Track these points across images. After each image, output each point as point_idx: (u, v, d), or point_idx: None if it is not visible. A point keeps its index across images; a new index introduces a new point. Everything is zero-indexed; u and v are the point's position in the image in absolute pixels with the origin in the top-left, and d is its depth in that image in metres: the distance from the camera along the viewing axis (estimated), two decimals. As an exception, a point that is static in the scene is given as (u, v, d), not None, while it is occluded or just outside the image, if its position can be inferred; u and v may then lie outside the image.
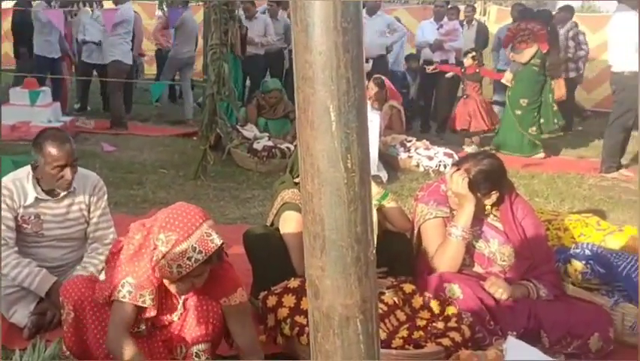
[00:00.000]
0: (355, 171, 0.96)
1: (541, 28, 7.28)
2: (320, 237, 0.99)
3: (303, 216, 1.07)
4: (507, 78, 7.53)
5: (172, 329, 2.25)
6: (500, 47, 8.73)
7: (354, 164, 0.96)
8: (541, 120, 7.44)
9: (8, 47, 10.20)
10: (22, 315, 2.74)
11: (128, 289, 2.13)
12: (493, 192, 2.89)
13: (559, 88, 7.45)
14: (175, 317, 2.26)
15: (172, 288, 2.16)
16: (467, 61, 7.79)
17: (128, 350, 2.05)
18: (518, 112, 7.40)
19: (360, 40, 0.97)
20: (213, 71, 5.58)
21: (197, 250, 1.99)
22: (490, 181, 2.86)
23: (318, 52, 0.93)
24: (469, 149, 7.12)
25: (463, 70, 7.82)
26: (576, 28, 9.07)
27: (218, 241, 2.02)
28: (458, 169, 2.84)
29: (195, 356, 2.19)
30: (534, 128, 7.41)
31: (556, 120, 7.48)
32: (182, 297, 2.25)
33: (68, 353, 2.25)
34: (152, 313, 2.18)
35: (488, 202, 2.91)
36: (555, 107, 7.45)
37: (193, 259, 2.00)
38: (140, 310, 2.17)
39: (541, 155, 7.38)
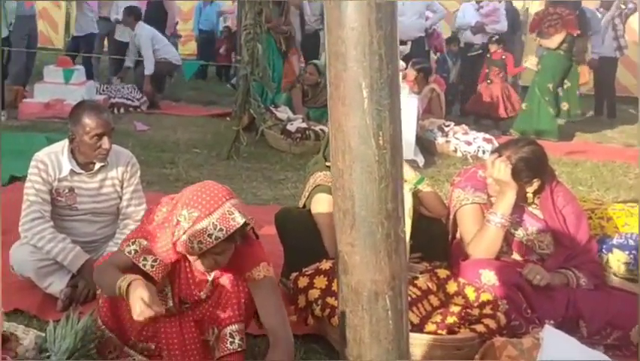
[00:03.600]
0: (387, 148, 0.99)
1: (570, 13, 7.22)
2: (350, 213, 1.02)
3: (333, 192, 1.10)
4: (532, 62, 7.51)
5: (204, 309, 2.28)
6: None
7: (386, 141, 0.98)
8: (565, 106, 7.45)
9: (42, 26, 10.48)
10: (57, 286, 2.86)
11: (135, 248, 2.21)
12: (535, 179, 2.87)
13: (583, 74, 7.40)
14: (203, 294, 2.29)
15: (197, 265, 2.20)
16: (493, 46, 7.78)
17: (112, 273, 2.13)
18: (547, 97, 7.40)
19: (394, 17, 0.99)
20: (247, 52, 5.63)
21: (218, 227, 2.04)
22: (532, 169, 2.85)
23: (351, 28, 0.96)
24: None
25: (488, 55, 7.83)
26: (630, 9, 8.92)
27: (240, 220, 2.05)
28: (500, 155, 2.83)
29: (229, 337, 2.20)
30: (553, 113, 7.48)
31: (578, 107, 7.51)
32: (212, 274, 2.28)
33: (103, 326, 2.31)
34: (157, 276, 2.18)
35: (529, 190, 2.90)
36: (578, 93, 7.41)
37: (213, 237, 2.04)
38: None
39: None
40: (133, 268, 2.19)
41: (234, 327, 2.21)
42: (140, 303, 1.98)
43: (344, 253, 1.05)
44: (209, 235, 2.04)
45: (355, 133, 1.01)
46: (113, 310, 2.31)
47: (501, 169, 2.79)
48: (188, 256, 2.19)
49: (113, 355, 2.32)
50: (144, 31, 8.10)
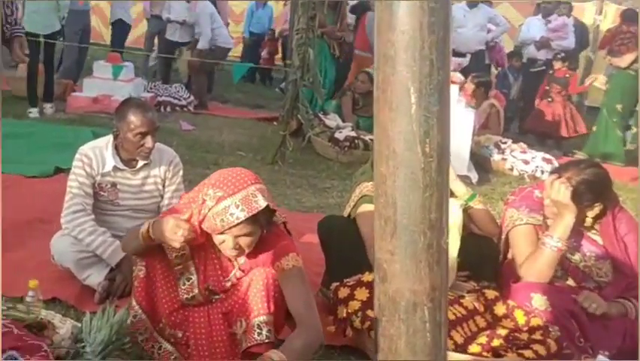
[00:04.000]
0: (433, 157, 1.00)
1: None
2: (391, 221, 1.04)
3: (375, 199, 1.13)
4: (600, 81, 7.39)
5: (232, 301, 2.33)
6: None
7: (433, 149, 1.00)
8: (633, 130, 7.37)
9: (94, 21, 10.86)
10: (95, 279, 2.97)
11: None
12: (596, 203, 2.84)
13: None
14: (229, 281, 2.35)
15: (223, 248, 2.27)
16: (557, 63, 7.68)
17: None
18: (615, 119, 7.28)
19: (448, 23, 1.01)
20: (298, 56, 5.70)
21: (240, 207, 2.14)
22: (594, 192, 2.81)
23: (402, 31, 0.98)
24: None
25: (551, 72, 7.74)
26: None
27: (262, 203, 2.15)
28: (560, 176, 2.80)
29: (257, 328, 2.23)
30: (621, 136, 7.38)
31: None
32: (240, 261, 2.35)
33: (137, 306, 2.38)
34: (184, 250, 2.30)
35: (590, 214, 2.86)
36: None
37: (235, 216, 2.15)
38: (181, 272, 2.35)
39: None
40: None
41: (262, 318, 2.25)
42: (174, 224, 2.17)
43: (383, 261, 1.07)
44: (231, 214, 2.15)
45: (401, 139, 1.03)
46: (148, 290, 2.40)
47: (560, 190, 2.76)
48: (214, 239, 2.27)
49: (143, 336, 2.39)
50: (206, 8, 8.33)
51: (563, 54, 7.97)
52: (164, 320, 2.40)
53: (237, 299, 2.33)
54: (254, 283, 2.30)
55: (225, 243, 2.25)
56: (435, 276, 1.04)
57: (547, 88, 7.89)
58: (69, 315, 2.62)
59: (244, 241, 2.24)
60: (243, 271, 2.37)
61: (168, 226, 2.21)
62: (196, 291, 2.38)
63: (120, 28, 9.29)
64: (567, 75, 7.81)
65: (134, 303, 2.38)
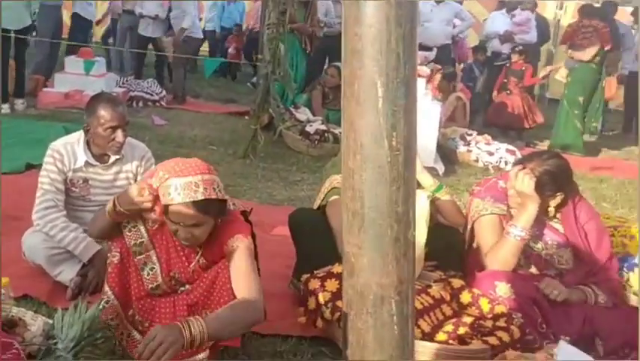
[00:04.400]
0: (400, 150, 0.98)
1: (605, 26, 7.27)
2: (359, 214, 1.01)
3: (342, 193, 1.10)
4: (561, 75, 7.51)
5: (197, 293, 2.31)
6: None
7: (399, 142, 0.98)
8: (592, 121, 7.61)
9: (65, 16, 10.63)
10: (67, 275, 2.90)
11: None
12: (558, 193, 2.85)
13: (609, 88, 7.41)
14: (192, 267, 2.34)
15: (177, 238, 2.28)
16: (515, 56, 7.79)
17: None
18: (576, 110, 7.42)
19: (414, 16, 0.98)
20: (269, 51, 5.65)
21: (179, 190, 2.17)
22: (556, 182, 2.83)
23: (369, 25, 0.95)
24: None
25: (508, 65, 7.85)
26: None
27: (199, 196, 2.16)
28: (524, 167, 2.81)
29: None
30: (580, 127, 7.54)
31: (597, 121, 7.67)
32: (199, 254, 2.35)
33: (109, 292, 2.35)
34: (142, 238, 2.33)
35: (552, 204, 2.88)
36: (599, 107, 7.55)
37: (171, 196, 2.18)
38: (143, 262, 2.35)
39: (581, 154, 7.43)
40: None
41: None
42: (138, 187, 2.23)
43: (351, 255, 1.05)
44: (169, 194, 2.17)
45: (368, 133, 1.00)
46: (121, 276, 2.37)
47: (524, 181, 2.76)
48: (169, 227, 2.27)
49: (114, 323, 2.37)
50: None
51: (520, 47, 8.07)
52: (134, 306, 2.38)
53: (202, 291, 2.31)
54: (220, 275, 2.28)
55: (178, 232, 2.26)
56: (402, 269, 1.02)
57: (505, 81, 7.99)
58: (41, 312, 2.56)
59: (195, 231, 2.24)
60: (206, 259, 2.36)
61: (134, 190, 2.25)
62: (160, 280, 2.36)
63: (78, 23, 8.97)
64: (523, 68, 7.92)
65: (106, 288, 2.36)
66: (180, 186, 2.18)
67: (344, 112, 1.05)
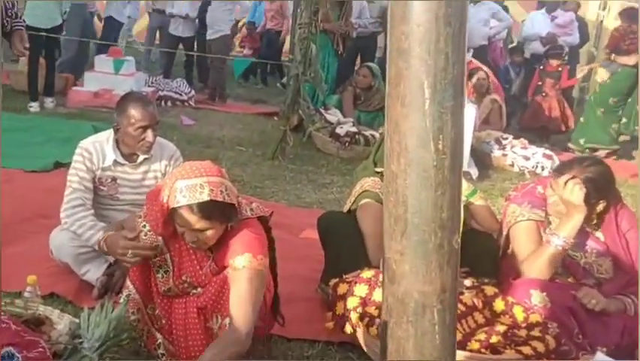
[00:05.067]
0: (446, 154, 0.96)
1: None
2: (402, 219, 0.99)
3: (384, 197, 1.08)
4: (602, 77, 7.41)
5: (207, 297, 2.30)
6: None
7: (446, 146, 0.95)
8: (623, 120, 7.52)
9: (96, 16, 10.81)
10: (94, 274, 2.92)
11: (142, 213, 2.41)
12: (601, 201, 2.80)
13: None
14: (204, 272, 2.33)
15: (185, 239, 2.28)
16: (552, 60, 7.73)
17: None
18: (601, 109, 7.47)
19: (464, 15, 0.96)
20: (300, 51, 5.64)
21: (184, 193, 2.16)
22: (598, 190, 2.77)
23: (417, 23, 0.93)
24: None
25: (542, 67, 7.76)
26: None
27: (205, 197, 2.14)
28: (574, 177, 2.76)
29: (229, 325, 2.21)
30: (615, 127, 7.52)
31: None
32: (210, 259, 2.33)
33: (131, 286, 2.36)
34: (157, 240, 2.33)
35: (594, 212, 2.82)
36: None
37: (176, 199, 2.18)
38: (157, 266, 2.36)
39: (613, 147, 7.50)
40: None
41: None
42: (122, 245, 2.27)
43: (392, 261, 1.02)
44: (175, 196, 2.17)
45: (413, 135, 0.98)
46: (143, 271, 2.39)
47: (574, 191, 2.71)
48: (178, 229, 2.27)
49: (135, 317, 2.39)
50: None
51: (557, 50, 7.98)
52: (155, 301, 2.40)
53: (212, 295, 2.30)
54: (228, 280, 2.27)
55: (185, 235, 2.26)
56: (445, 277, 0.99)
57: (540, 83, 7.89)
58: (67, 310, 2.58)
59: (201, 236, 2.23)
60: (217, 264, 2.35)
61: (117, 247, 2.29)
62: (171, 283, 2.36)
63: (111, 25, 9.17)
64: (559, 69, 7.81)
65: (128, 283, 2.38)
66: (186, 188, 2.17)
67: (388, 114, 1.02)
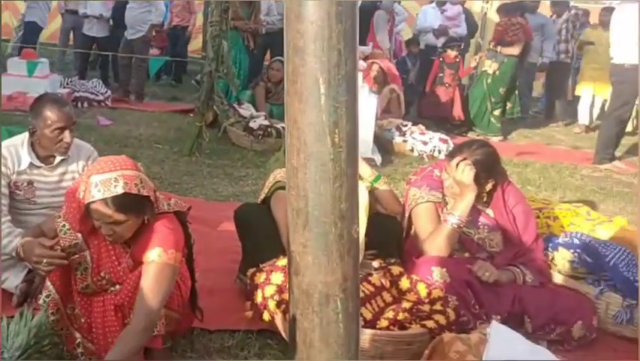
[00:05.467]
0: (342, 147, 0.92)
1: (527, 21, 7.68)
2: (303, 212, 0.95)
3: (287, 191, 1.04)
4: (493, 67, 7.73)
5: (124, 293, 2.21)
6: None
7: (342, 139, 0.92)
8: (508, 105, 8.05)
9: (6, 17, 10.16)
10: (12, 282, 2.72)
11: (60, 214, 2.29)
12: (490, 180, 2.87)
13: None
14: (122, 267, 2.24)
15: (102, 232, 2.19)
16: (451, 51, 7.98)
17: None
18: (493, 98, 7.77)
19: (355, 12, 0.92)
20: (212, 48, 5.50)
21: (98, 187, 2.08)
22: (487, 170, 2.84)
23: (310, 21, 0.89)
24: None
25: (441, 58, 7.98)
26: (574, 16, 9.26)
27: (119, 190, 2.07)
28: (464, 158, 2.80)
29: None
30: (498, 112, 7.86)
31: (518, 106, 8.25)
32: (128, 254, 2.24)
33: (51, 286, 2.24)
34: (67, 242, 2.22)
35: (484, 191, 2.89)
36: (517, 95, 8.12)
37: (91, 193, 2.09)
38: (77, 263, 2.24)
39: (500, 137, 7.77)
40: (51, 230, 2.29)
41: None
42: (38, 253, 2.15)
43: (296, 254, 0.98)
44: (90, 191, 2.09)
45: (311, 130, 0.94)
46: (62, 271, 2.26)
47: (465, 172, 2.76)
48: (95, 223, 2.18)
49: (55, 317, 2.26)
50: None
51: (457, 41, 8.21)
52: (75, 300, 2.29)
53: (128, 293, 2.20)
54: (144, 275, 2.17)
55: (102, 228, 2.16)
56: (346, 266, 0.96)
57: (442, 74, 8.07)
58: (-15, 321, 2.39)
59: (117, 228, 2.14)
60: (133, 259, 2.25)
61: (32, 255, 2.16)
62: (89, 280, 2.25)
63: (32, 29, 8.73)
64: (457, 60, 8.04)
65: (48, 283, 2.25)
66: (100, 182, 2.08)
67: (287, 109, 0.98)
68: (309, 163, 0.96)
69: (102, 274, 2.24)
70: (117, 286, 2.25)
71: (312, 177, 0.97)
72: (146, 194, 2.13)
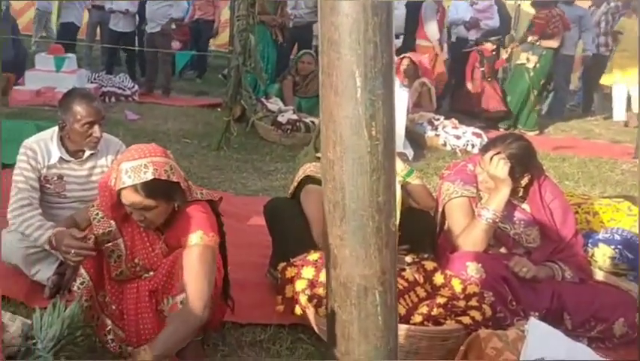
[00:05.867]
0: (379, 140, 0.94)
1: (563, 12, 7.64)
2: (340, 205, 0.97)
3: (323, 184, 1.06)
4: (533, 61, 7.62)
5: (158, 279, 2.27)
6: None
7: (379, 132, 0.94)
8: (549, 98, 8.11)
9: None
10: (44, 274, 2.81)
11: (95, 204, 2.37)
12: (525, 174, 2.86)
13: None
14: (156, 251, 2.30)
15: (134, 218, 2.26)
16: (488, 44, 7.87)
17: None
18: (536, 92, 7.69)
19: (391, 5, 0.94)
20: (239, 42, 5.56)
21: (129, 174, 2.14)
22: (522, 164, 2.83)
23: (345, 14, 0.91)
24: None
25: (480, 51, 7.90)
26: (614, 8, 9.08)
27: (149, 176, 2.12)
28: (499, 152, 2.80)
29: (180, 305, 2.17)
30: (538, 106, 7.88)
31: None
32: (161, 240, 2.30)
33: (85, 273, 2.30)
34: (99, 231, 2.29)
35: (519, 185, 2.88)
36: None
37: (122, 180, 2.16)
38: (111, 250, 2.31)
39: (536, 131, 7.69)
40: (86, 219, 2.37)
41: (184, 296, 2.17)
42: (67, 243, 2.22)
43: (333, 247, 1.01)
44: (121, 178, 2.16)
45: (347, 123, 0.96)
46: (96, 259, 2.32)
47: (499, 166, 2.76)
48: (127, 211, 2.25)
49: (88, 303, 2.32)
50: None
51: (496, 36, 8.14)
52: (106, 288, 2.35)
53: (162, 277, 2.26)
54: (177, 262, 2.23)
55: (133, 215, 2.23)
56: (384, 259, 0.98)
57: (483, 69, 7.97)
58: (19, 312, 2.47)
59: (148, 214, 2.20)
60: (167, 244, 2.31)
61: (62, 245, 2.24)
62: (123, 267, 2.31)
63: (68, 30, 8.97)
64: (494, 53, 7.96)
65: (82, 270, 2.31)
66: (130, 169, 2.15)
67: (322, 103, 1.00)
68: (346, 156, 0.99)
69: (136, 260, 2.31)
70: (151, 273, 2.31)
71: (348, 170, 0.99)
72: (175, 180, 2.19)
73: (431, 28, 8.05)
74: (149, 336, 2.22)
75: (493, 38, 8.05)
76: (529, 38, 7.77)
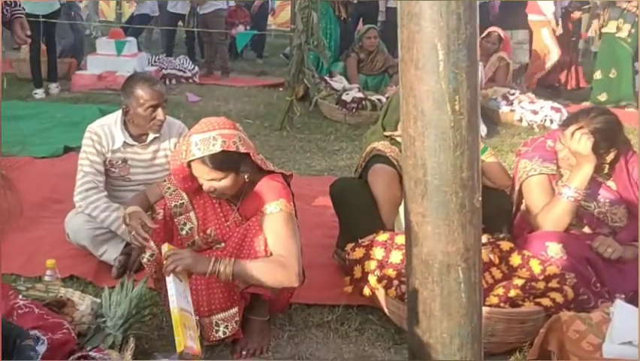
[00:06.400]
0: (463, 114, 0.95)
1: None
2: (422, 182, 0.99)
3: (402, 161, 1.08)
4: (627, 29, 7.35)
5: (230, 248, 2.34)
6: None
7: (463, 106, 0.95)
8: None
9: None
10: (111, 254, 2.95)
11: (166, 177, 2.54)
12: (611, 150, 2.78)
13: None
14: (230, 222, 2.40)
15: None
16: (576, 13, 7.60)
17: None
18: (634, 63, 7.39)
19: (472, -26, 0.95)
20: (301, 20, 5.58)
21: (198, 146, 2.24)
22: (607, 139, 2.75)
23: (427, -15, 0.92)
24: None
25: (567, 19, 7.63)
26: None
27: (218, 148, 2.21)
28: (581, 127, 2.74)
29: None
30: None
31: None
32: (235, 211, 2.39)
33: (154, 246, 2.38)
34: (172, 203, 2.42)
35: (605, 162, 2.81)
36: None
37: (191, 152, 2.26)
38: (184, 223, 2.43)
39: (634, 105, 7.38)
40: (158, 193, 2.50)
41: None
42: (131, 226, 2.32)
43: (414, 224, 1.03)
44: (190, 150, 2.26)
45: (429, 98, 0.98)
46: (165, 232, 2.44)
47: (582, 142, 2.70)
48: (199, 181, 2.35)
49: (157, 275, 2.42)
50: None
51: (585, 4, 7.82)
52: None
53: (235, 245, 2.34)
54: (250, 231, 2.31)
55: (203, 186, 2.33)
56: (468, 236, 1.00)
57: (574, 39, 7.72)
58: (87, 291, 2.61)
59: (217, 185, 2.30)
60: (241, 214, 2.41)
61: (129, 224, 2.35)
62: (196, 237, 2.42)
63: (141, 21, 9.37)
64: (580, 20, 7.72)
65: (151, 243, 2.40)
66: (200, 141, 2.25)
67: (402, 77, 1.02)
68: (428, 132, 1.00)
69: (208, 231, 2.42)
70: (222, 244, 2.41)
71: (430, 146, 1.01)
72: (244, 151, 2.28)
73: (546, 2, 7.81)
74: (219, 307, 2.31)
75: (581, 6, 7.72)
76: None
